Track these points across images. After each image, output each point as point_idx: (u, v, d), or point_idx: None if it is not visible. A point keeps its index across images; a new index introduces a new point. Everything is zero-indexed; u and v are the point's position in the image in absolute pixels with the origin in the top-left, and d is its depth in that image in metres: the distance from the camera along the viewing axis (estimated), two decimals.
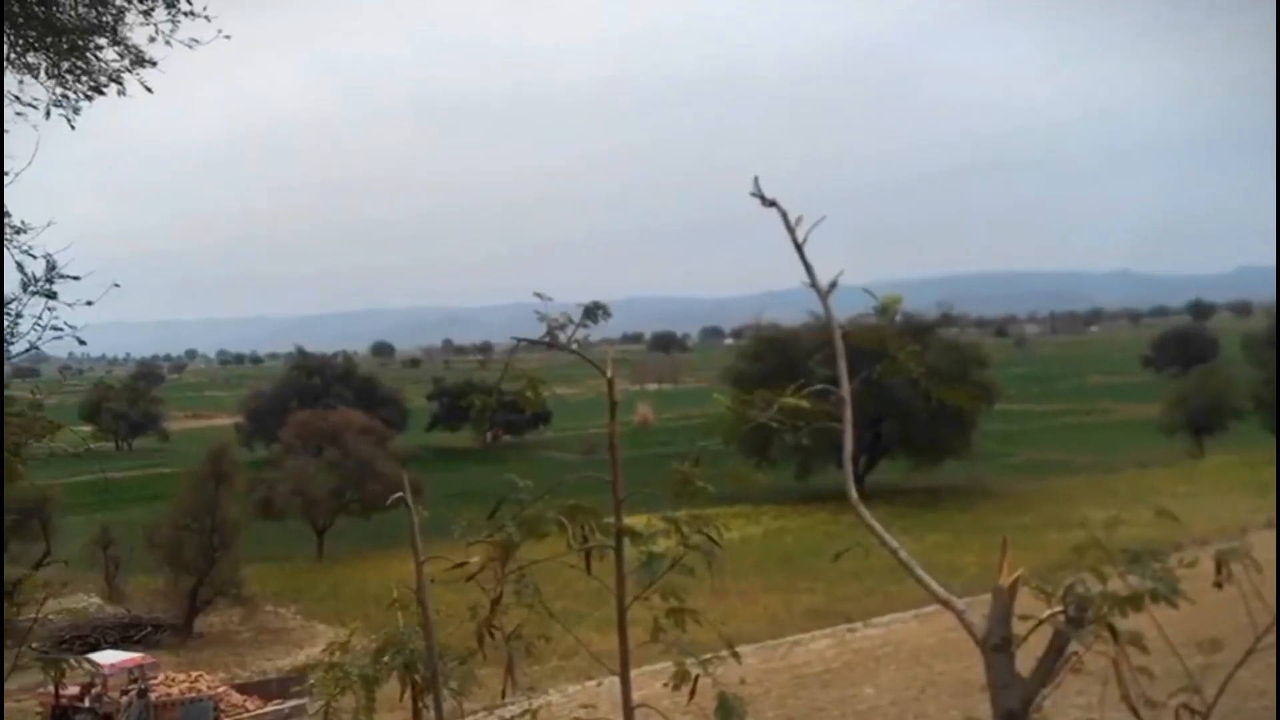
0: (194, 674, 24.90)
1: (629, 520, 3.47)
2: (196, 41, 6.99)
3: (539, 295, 3.29)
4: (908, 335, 50.45)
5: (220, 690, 23.99)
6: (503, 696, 4.08)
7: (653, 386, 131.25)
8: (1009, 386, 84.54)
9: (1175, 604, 2.51)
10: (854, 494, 2.98)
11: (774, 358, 50.14)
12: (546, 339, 3.30)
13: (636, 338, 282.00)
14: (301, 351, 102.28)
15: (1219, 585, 2.61)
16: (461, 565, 3.47)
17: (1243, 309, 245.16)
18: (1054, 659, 2.57)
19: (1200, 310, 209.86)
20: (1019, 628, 2.65)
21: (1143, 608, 2.53)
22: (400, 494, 4.07)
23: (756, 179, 2.87)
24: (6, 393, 7.84)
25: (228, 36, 6.97)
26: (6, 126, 6.75)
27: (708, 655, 3.47)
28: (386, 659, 4.43)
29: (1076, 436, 79.82)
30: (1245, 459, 50.16)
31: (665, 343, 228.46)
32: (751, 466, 44.89)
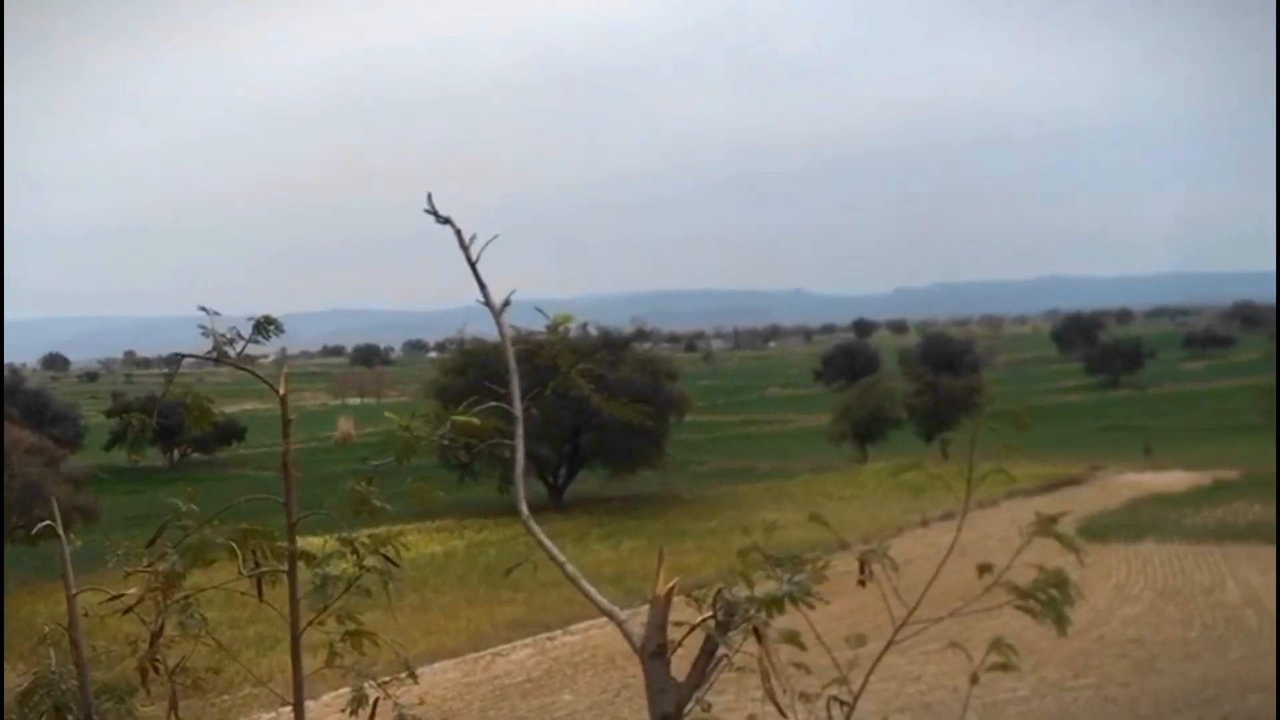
0: None
1: (312, 542, 3.30)
2: None
3: (204, 309, 3.06)
4: (603, 349, 51.47)
5: None
6: None
7: (355, 401, 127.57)
8: (698, 398, 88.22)
9: (812, 605, 2.63)
10: (524, 509, 2.95)
11: (476, 372, 49.86)
12: (213, 354, 3.08)
13: (338, 351, 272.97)
14: None
15: (862, 583, 2.77)
16: (118, 597, 3.18)
17: (900, 327, 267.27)
18: (705, 662, 2.64)
19: (863, 328, 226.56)
20: (679, 635, 2.70)
21: (784, 610, 2.64)
22: (47, 521, 3.68)
23: (430, 196, 2.79)
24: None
25: None
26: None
27: (386, 677, 3.33)
28: (35, 700, 4.00)
29: (759, 445, 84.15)
30: (901, 464, 54.38)
31: (368, 356, 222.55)
32: (454, 481, 44.48)
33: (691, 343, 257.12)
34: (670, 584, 2.75)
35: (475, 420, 3.02)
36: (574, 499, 50.82)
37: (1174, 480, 49.09)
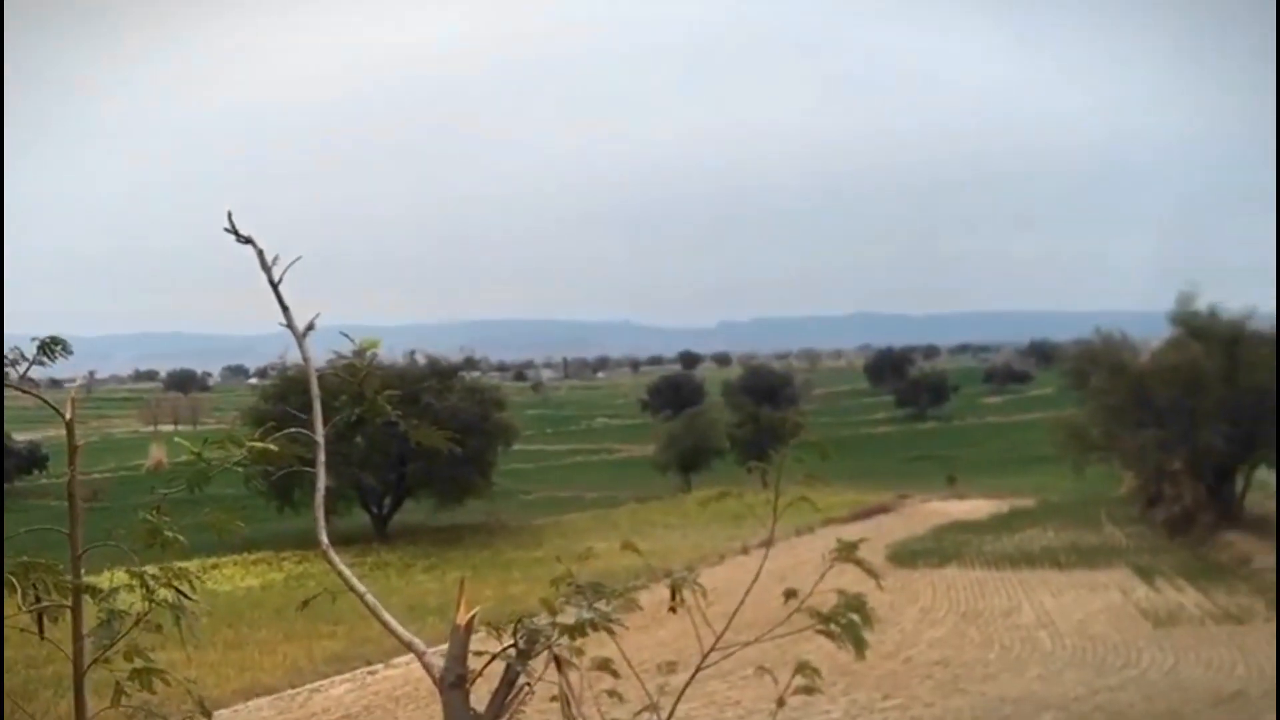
0: None
1: (104, 576, 3.09)
2: None
3: None
4: (431, 377, 50.65)
5: None
6: None
7: (169, 427, 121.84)
8: (527, 427, 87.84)
9: (613, 631, 2.62)
10: (324, 539, 2.84)
11: (297, 398, 48.32)
12: None
13: (151, 375, 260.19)
14: None
15: (673, 610, 2.77)
16: None
17: (724, 359, 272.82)
18: (505, 692, 2.59)
19: (689, 360, 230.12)
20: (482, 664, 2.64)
21: (585, 635, 2.62)
22: None
23: (230, 214, 2.68)
24: None
25: None
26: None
27: (178, 717, 3.14)
28: None
29: (586, 474, 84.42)
30: (709, 494, 55.25)
31: (183, 381, 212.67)
32: (274, 511, 42.90)
33: (521, 372, 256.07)
34: (471, 614, 2.69)
35: (272, 446, 2.89)
36: (400, 529, 49.73)
37: (975, 508, 51.53)
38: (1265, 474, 42.66)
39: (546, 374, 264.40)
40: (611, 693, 3.06)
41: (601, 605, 2.66)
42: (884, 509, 52.85)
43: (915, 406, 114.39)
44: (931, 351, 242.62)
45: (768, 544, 3.26)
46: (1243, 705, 20.26)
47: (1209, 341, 41.05)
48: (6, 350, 2.91)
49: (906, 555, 39.00)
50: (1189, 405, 39.55)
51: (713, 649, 2.76)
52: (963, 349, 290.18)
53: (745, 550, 39.06)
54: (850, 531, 35.58)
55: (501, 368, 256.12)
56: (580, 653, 3.08)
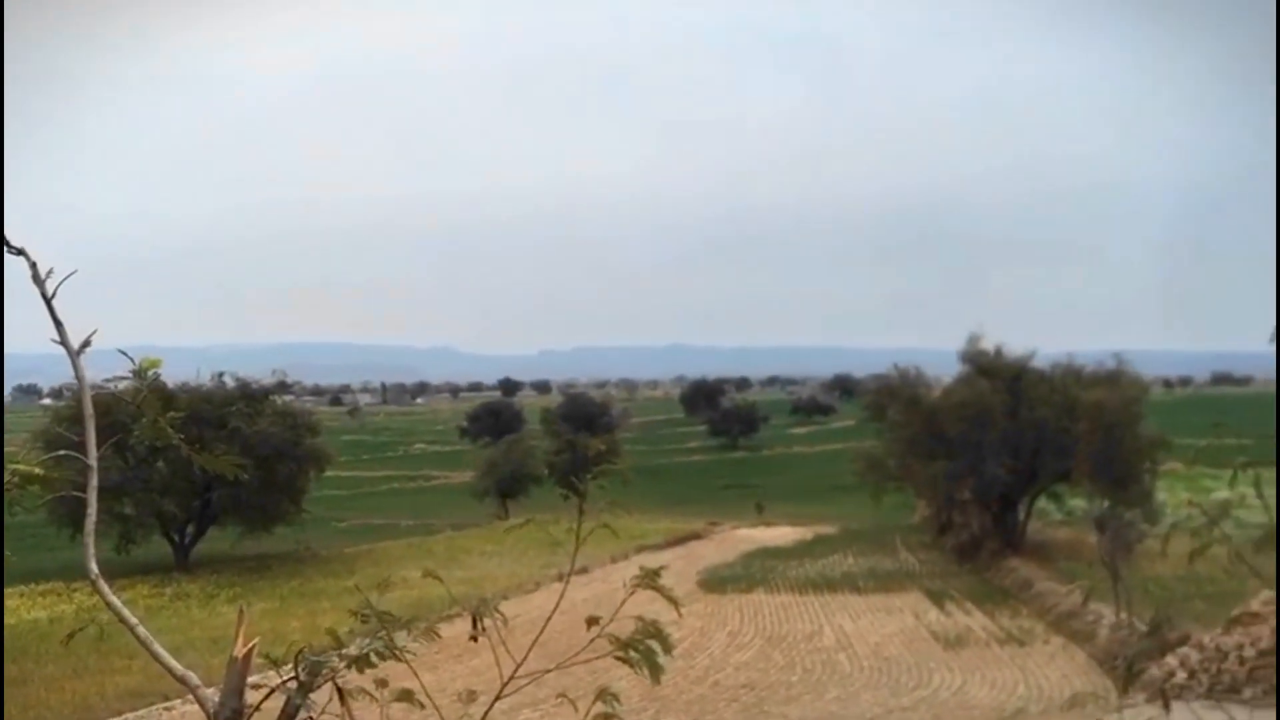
0: None
1: None
2: None
3: None
4: (240, 400, 48.65)
5: None
6: None
7: None
8: (342, 453, 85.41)
9: (401, 659, 2.57)
10: (93, 569, 2.67)
11: (96, 420, 45.59)
12: None
13: None
14: None
15: (474, 639, 2.73)
16: None
17: (543, 387, 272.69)
18: None
19: (509, 387, 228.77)
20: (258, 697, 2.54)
21: (373, 665, 2.56)
22: None
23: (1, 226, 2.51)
24: None
25: None
26: None
27: None
28: None
29: (402, 501, 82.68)
30: (514, 523, 55.10)
31: None
32: (66, 539, 40.21)
33: (337, 396, 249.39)
34: (249, 645, 2.58)
35: (37, 470, 2.71)
36: (204, 558, 47.44)
37: (782, 535, 52.94)
38: (1044, 503, 45.38)
39: (364, 399, 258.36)
40: None
41: (400, 635, 2.59)
42: (696, 536, 53.66)
43: (727, 436, 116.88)
44: (743, 383, 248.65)
45: (568, 573, 3.24)
46: None
47: (995, 379, 43.52)
48: None
49: (716, 581, 39.68)
50: (977, 438, 41.74)
51: (512, 677, 2.73)
52: (772, 381, 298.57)
53: (561, 577, 38.92)
54: (664, 558, 36.33)
55: (317, 392, 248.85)
56: (383, 684, 2.99)
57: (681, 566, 42.41)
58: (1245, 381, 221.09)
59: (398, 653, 2.52)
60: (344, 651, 2.57)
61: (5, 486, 2.64)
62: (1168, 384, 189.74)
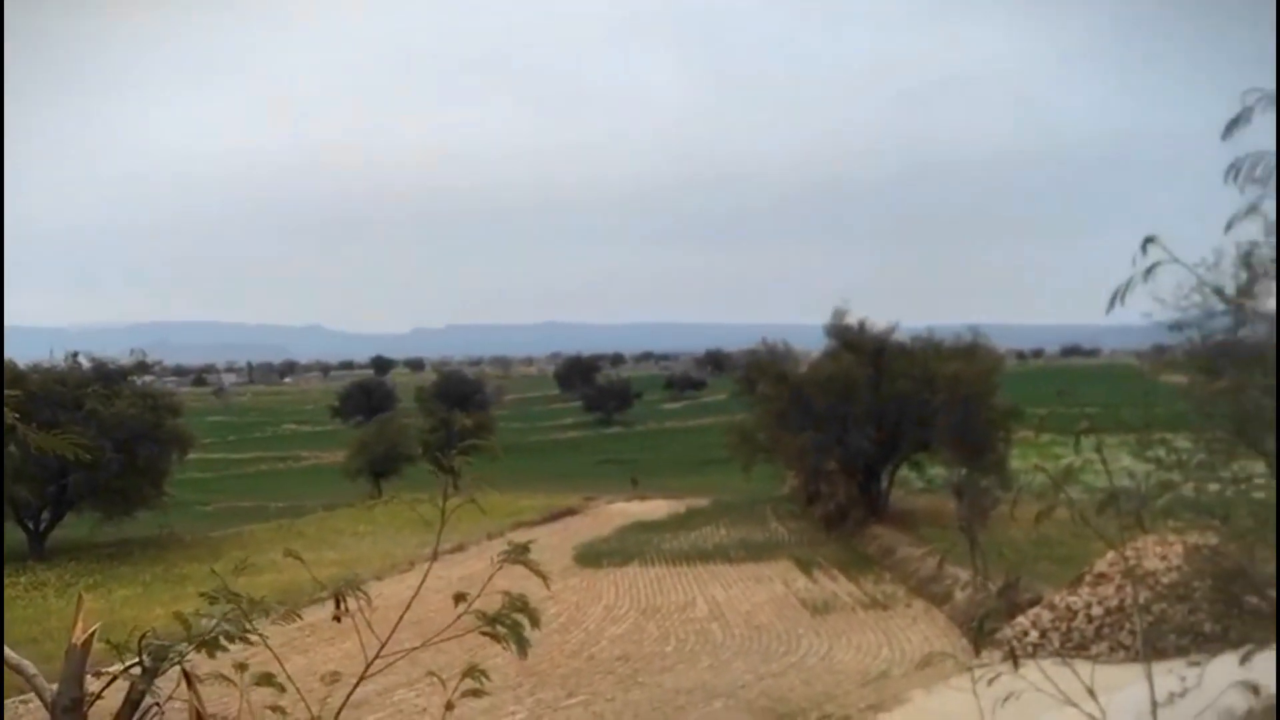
0: None
1: None
2: None
3: None
4: (96, 382, 46.64)
5: None
6: None
7: None
8: (207, 434, 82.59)
9: (250, 642, 2.50)
10: None
11: None
12: None
13: None
14: None
15: (338, 619, 2.67)
16: None
17: (417, 365, 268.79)
18: (130, 712, 2.40)
19: (381, 365, 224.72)
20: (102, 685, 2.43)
21: (224, 649, 2.47)
22: None
23: None
24: None
25: None
26: None
27: None
28: None
29: (271, 483, 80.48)
30: (417, 498, 54.23)
31: None
32: None
33: (201, 376, 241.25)
34: (89, 631, 2.47)
35: None
36: (61, 545, 45.39)
37: (656, 508, 53.42)
38: (906, 472, 46.84)
39: (229, 379, 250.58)
40: (274, 708, 2.91)
41: (262, 619, 2.51)
42: (572, 511, 53.75)
43: (602, 412, 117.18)
44: (617, 359, 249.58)
45: (433, 551, 3.19)
46: (887, 684, 22.11)
47: (859, 353, 44.66)
48: None
49: (592, 556, 39.85)
50: (842, 411, 42.79)
51: (376, 657, 2.68)
52: (646, 357, 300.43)
53: (436, 556, 38.52)
54: (540, 534, 36.32)
55: (180, 372, 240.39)
56: (242, 668, 2.90)
57: (558, 542, 42.43)
58: (1094, 353, 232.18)
59: (248, 635, 2.43)
60: (192, 636, 2.47)
61: None
62: (1021, 356, 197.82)
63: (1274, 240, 8.50)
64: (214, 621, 2.43)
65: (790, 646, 25.90)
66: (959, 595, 28.21)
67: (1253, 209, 2.94)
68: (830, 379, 43.48)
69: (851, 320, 46.38)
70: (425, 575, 2.90)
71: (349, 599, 2.75)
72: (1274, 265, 7.90)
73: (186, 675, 2.44)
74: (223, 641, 2.42)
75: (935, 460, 44.35)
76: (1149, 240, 2.86)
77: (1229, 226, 2.99)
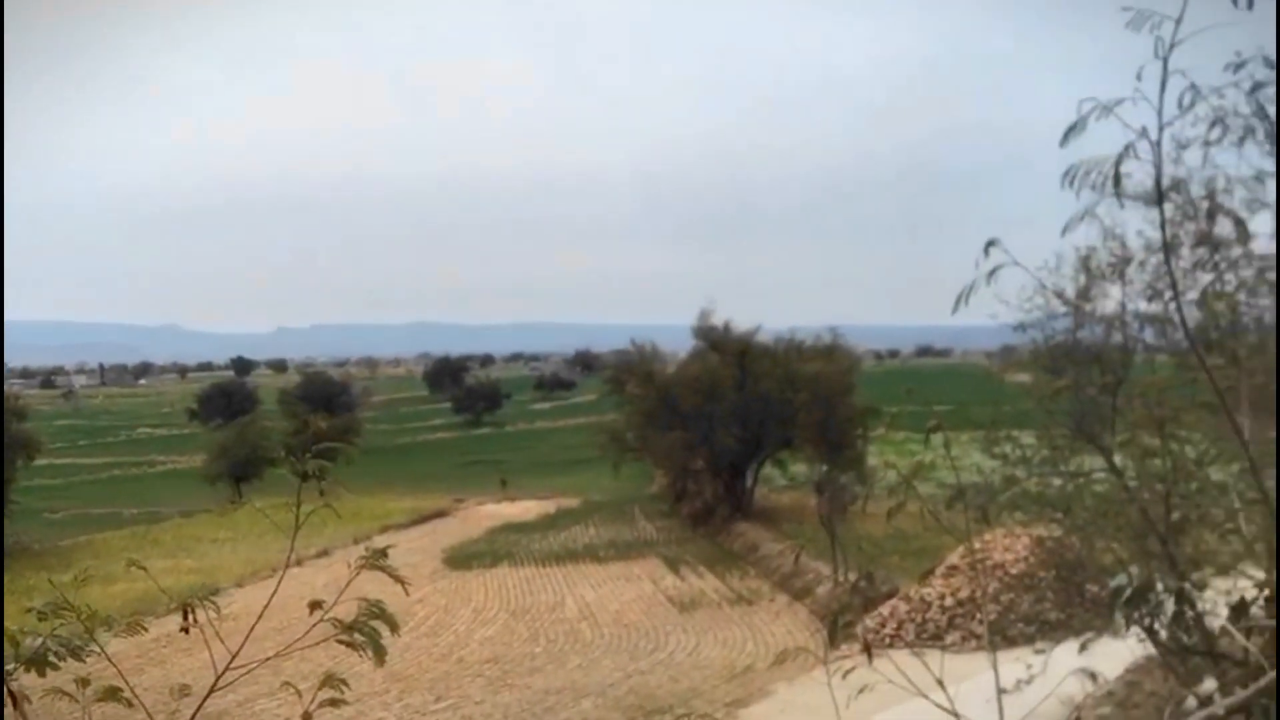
0: None
1: None
2: None
3: None
4: None
5: None
6: None
7: None
8: (56, 439, 78.74)
9: (81, 659, 2.38)
10: None
11: None
12: None
13: None
14: None
15: (185, 630, 2.56)
16: None
17: (280, 366, 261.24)
18: None
19: (242, 366, 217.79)
20: None
21: (56, 667, 2.35)
22: None
23: None
24: None
25: None
26: None
27: None
28: None
29: (126, 489, 77.12)
30: (277, 503, 52.69)
31: None
32: None
33: (49, 379, 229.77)
34: None
35: None
36: None
37: (526, 509, 53.17)
38: (770, 470, 47.68)
39: (80, 381, 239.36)
40: None
41: (100, 630, 2.38)
42: (441, 513, 53.08)
43: (471, 413, 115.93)
44: (487, 360, 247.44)
45: (287, 559, 3.09)
46: (752, 678, 22.47)
47: (724, 354, 45.29)
48: None
49: (462, 558, 39.41)
50: (708, 410, 43.32)
51: (227, 668, 2.57)
52: (516, 358, 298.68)
53: (300, 562, 37.51)
54: (409, 537, 35.66)
55: (26, 374, 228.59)
56: (85, 683, 2.75)
57: (427, 544, 41.82)
58: (946, 353, 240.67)
59: (79, 652, 2.30)
60: (20, 654, 2.33)
61: None
62: (878, 356, 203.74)
63: (1110, 245, 8.88)
64: (40, 640, 2.29)
65: (658, 644, 26.09)
66: (820, 589, 28.86)
67: (1087, 214, 3.07)
68: (696, 379, 43.97)
69: (717, 321, 47.03)
70: (278, 583, 2.81)
71: (198, 610, 2.64)
72: (1110, 269, 8.31)
73: (13, 696, 2.29)
74: (52, 659, 2.28)
75: (798, 458, 45.27)
76: (990, 244, 2.96)
77: (1064, 231, 3.11)
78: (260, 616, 2.87)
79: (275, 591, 2.69)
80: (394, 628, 2.63)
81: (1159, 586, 3.66)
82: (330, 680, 2.78)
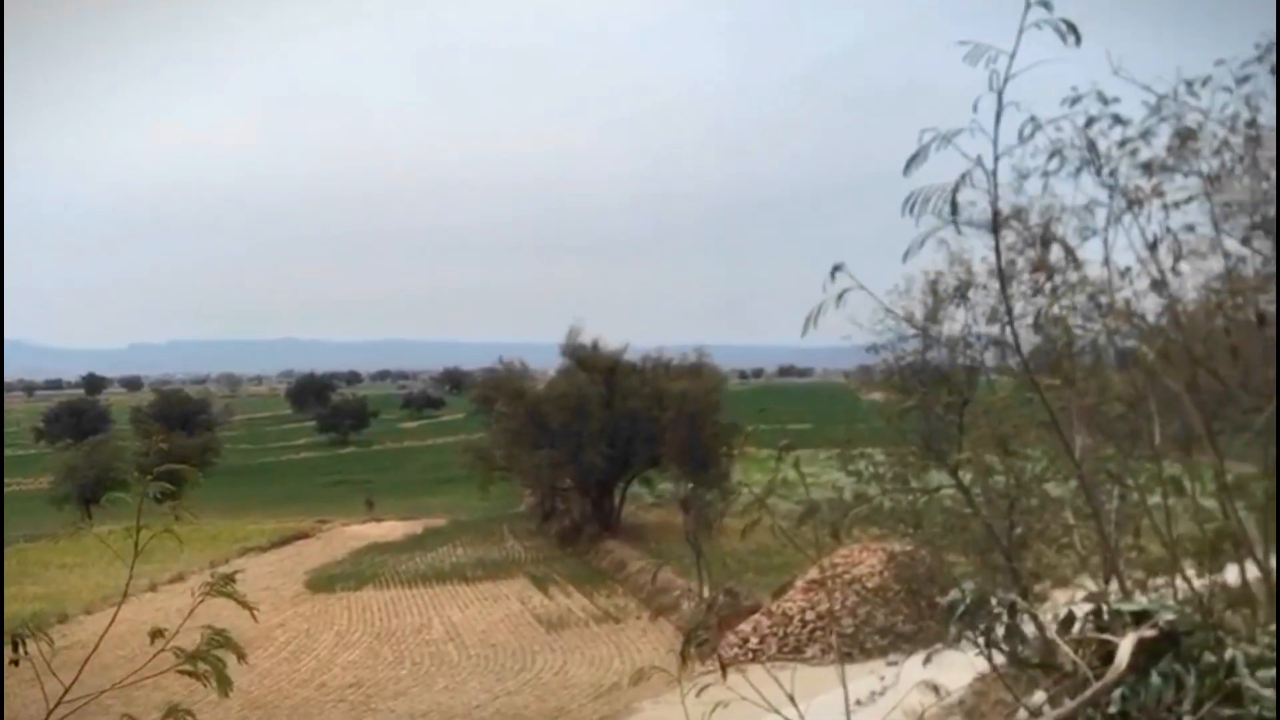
0: None
1: None
2: None
3: None
4: None
5: None
6: None
7: None
8: None
9: None
10: None
11: None
12: None
13: None
14: None
15: (15, 663, 2.42)
16: None
17: (134, 383, 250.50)
18: None
19: (94, 384, 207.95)
20: None
21: None
22: None
23: None
24: None
25: None
26: None
27: None
28: None
29: None
30: (129, 527, 50.36)
31: None
32: None
33: None
34: None
35: None
36: None
37: (392, 530, 52.12)
38: (637, 488, 47.86)
39: None
40: None
41: None
42: (305, 535, 51.59)
43: (337, 432, 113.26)
44: (353, 378, 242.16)
45: (127, 581, 2.97)
46: (618, 695, 22.48)
47: (592, 371, 45.37)
48: None
49: (325, 580, 38.39)
50: (577, 428, 43.28)
51: (60, 702, 2.45)
52: (383, 375, 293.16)
53: (154, 587, 35.99)
54: (269, 559, 34.62)
55: None
56: None
57: (289, 567, 40.62)
58: (807, 372, 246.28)
59: None
60: None
61: None
62: (743, 375, 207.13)
63: (956, 269, 9.23)
64: None
65: (525, 664, 25.89)
66: (687, 605, 29.09)
67: (925, 239, 3.19)
68: (564, 396, 43.90)
69: (585, 339, 47.09)
70: (116, 612, 2.69)
71: (29, 641, 2.51)
72: (955, 292, 8.65)
73: None
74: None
75: (664, 476, 45.56)
76: (837, 268, 3.05)
77: (906, 256, 3.22)
78: (95, 648, 2.75)
79: (113, 620, 2.57)
80: (240, 656, 2.55)
81: (993, 601, 3.81)
82: (174, 712, 2.67)
